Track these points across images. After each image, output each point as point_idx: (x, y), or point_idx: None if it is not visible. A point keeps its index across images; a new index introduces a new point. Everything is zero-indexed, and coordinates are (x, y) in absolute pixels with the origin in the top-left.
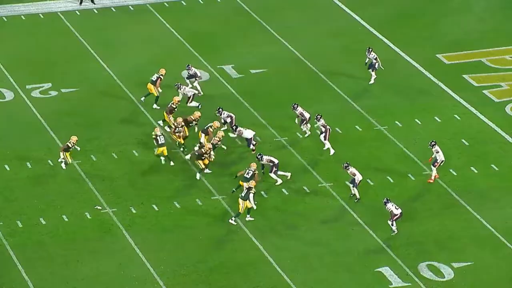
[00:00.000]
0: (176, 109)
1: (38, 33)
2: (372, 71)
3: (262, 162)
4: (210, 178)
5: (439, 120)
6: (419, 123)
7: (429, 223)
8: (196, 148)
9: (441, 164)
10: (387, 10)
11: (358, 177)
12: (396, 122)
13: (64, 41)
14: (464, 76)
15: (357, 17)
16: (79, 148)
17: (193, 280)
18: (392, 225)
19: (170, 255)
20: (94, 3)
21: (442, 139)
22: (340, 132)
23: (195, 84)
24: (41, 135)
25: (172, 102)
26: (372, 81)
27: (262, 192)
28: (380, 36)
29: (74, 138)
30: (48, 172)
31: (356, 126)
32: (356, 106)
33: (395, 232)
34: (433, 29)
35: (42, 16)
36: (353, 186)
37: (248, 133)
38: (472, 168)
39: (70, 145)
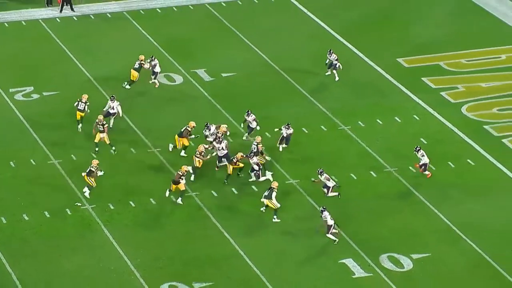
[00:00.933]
0: (191, 133)
1: (21, 39)
2: (334, 69)
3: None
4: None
5: (399, 120)
6: (381, 123)
7: (390, 218)
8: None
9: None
10: (351, 18)
11: (330, 184)
12: (359, 122)
13: (46, 47)
14: (422, 79)
15: (323, 24)
16: (102, 172)
17: (168, 272)
18: (331, 236)
19: (146, 249)
20: (74, 11)
21: (402, 139)
22: (306, 132)
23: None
24: (24, 135)
25: (188, 126)
26: (337, 78)
27: (233, 189)
28: (345, 42)
29: (95, 162)
30: (31, 171)
31: (322, 126)
32: (322, 108)
33: (337, 241)
34: (393, 35)
35: (24, 23)
36: (327, 192)
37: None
38: (430, 165)
39: (93, 169)
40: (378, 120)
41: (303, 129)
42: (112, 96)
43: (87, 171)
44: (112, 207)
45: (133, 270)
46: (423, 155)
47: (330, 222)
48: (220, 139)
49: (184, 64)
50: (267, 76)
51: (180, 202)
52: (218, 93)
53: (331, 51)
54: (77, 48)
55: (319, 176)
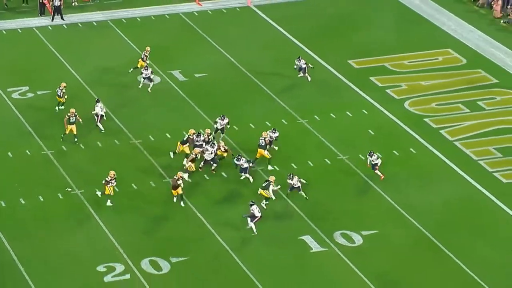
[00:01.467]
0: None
1: (17, 45)
2: (304, 73)
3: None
4: (163, 163)
5: (350, 115)
6: (334, 117)
7: (343, 199)
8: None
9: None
10: (308, 25)
11: (296, 184)
12: (315, 116)
13: (39, 52)
14: (370, 78)
15: (284, 31)
16: (114, 183)
17: (148, 249)
18: (252, 226)
19: (129, 228)
20: (64, 20)
21: (353, 130)
22: (269, 125)
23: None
24: (20, 129)
25: (189, 134)
26: (309, 79)
27: (205, 175)
28: (303, 47)
29: (112, 173)
30: (26, 161)
31: (282, 120)
32: (283, 104)
33: (255, 234)
34: (344, 40)
35: (20, 31)
36: (295, 190)
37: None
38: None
39: (108, 179)
40: (331, 115)
41: (267, 122)
42: (98, 100)
43: (105, 181)
44: (98, 192)
45: (118, 247)
46: (377, 158)
47: (258, 214)
48: (212, 142)
49: (162, 66)
50: (235, 77)
51: (182, 205)
52: (191, 91)
53: (300, 58)
54: (67, 53)
55: (290, 180)
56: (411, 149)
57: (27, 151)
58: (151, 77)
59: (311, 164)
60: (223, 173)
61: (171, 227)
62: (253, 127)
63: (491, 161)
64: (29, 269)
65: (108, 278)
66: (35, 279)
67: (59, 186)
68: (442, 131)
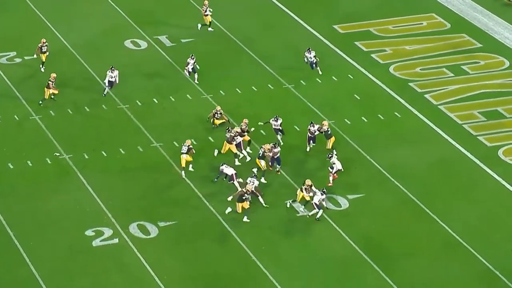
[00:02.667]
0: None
1: (4, 11)
2: (316, 66)
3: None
4: (150, 129)
5: (335, 79)
6: (320, 81)
7: (327, 163)
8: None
9: (338, 171)
10: None
11: (338, 166)
12: (301, 81)
13: (26, 17)
14: (355, 43)
15: None
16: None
17: (136, 213)
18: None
19: (117, 193)
20: None
21: (338, 95)
22: (256, 90)
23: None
24: (8, 94)
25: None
26: (320, 72)
27: (193, 140)
28: (289, 12)
29: (188, 142)
30: (14, 126)
31: (269, 85)
32: (269, 69)
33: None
34: (330, 5)
35: None
36: (333, 172)
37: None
38: (363, 118)
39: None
40: (317, 79)
41: (253, 87)
42: (112, 67)
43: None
44: (86, 157)
45: (105, 211)
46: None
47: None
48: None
49: (148, 31)
50: (222, 42)
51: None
52: (178, 57)
53: (310, 49)
54: (54, 18)
55: (328, 159)
56: (396, 113)
57: (15, 116)
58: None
59: (298, 129)
60: (210, 138)
61: (158, 191)
62: (239, 92)
63: (475, 125)
64: (17, 233)
65: (96, 243)
66: (23, 243)
67: (47, 151)
68: (426, 95)
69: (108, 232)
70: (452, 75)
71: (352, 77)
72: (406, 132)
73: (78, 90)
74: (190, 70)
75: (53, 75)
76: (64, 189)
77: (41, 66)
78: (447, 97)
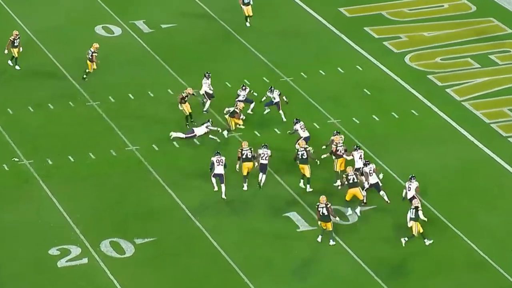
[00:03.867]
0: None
1: None
2: (278, 109)
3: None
4: (125, 129)
5: (342, 71)
6: (323, 74)
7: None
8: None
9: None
10: None
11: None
12: (302, 73)
13: None
14: (365, 28)
15: None
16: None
17: (109, 227)
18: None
19: (86, 205)
20: None
21: (345, 89)
22: (248, 83)
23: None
24: None
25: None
26: (284, 119)
27: (175, 143)
28: None
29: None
30: None
31: (264, 78)
32: (264, 59)
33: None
34: None
35: None
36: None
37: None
38: (374, 116)
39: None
40: (321, 71)
41: (246, 81)
42: (207, 74)
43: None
44: (50, 162)
45: (72, 226)
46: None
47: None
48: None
49: (123, 16)
50: (208, 28)
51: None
52: (158, 45)
53: (272, 88)
54: (15, 5)
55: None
56: (412, 110)
57: None
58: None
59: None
60: (195, 141)
61: (135, 203)
62: (229, 86)
63: (505, 124)
64: None
65: (62, 263)
66: None
67: (4, 156)
68: (448, 90)
69: (75, 250)
70: (478, 66)
71: (361, 69)
72: (424, 132)
73: (41, 85)
74: (241, 99)
75: (96, 45)
76: (23, 199)
77: (10, 61)
78: (472, 91)
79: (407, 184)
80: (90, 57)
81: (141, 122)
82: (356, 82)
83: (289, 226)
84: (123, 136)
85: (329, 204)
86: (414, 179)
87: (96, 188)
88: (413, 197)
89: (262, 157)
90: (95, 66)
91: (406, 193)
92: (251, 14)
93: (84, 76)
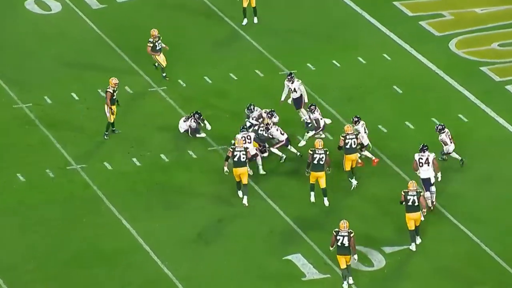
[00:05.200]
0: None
1: None
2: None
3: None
4: (66, 141)
5: (363, 62)
6: (338, 65)
7: (353, 195)
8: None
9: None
10: None
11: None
12: (308, 64)
13: None
14: (394, 3)
15: None
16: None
17: (42, 278)
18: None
19: (9, 247)
20: None
21: (367, 86)
22: (236, 78)
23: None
24: None
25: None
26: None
27: (135, 159)
28: None
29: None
30: None
31: (257, 71)
32: (256, 45)
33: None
34: None
35: None
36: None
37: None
38: (407, 123)
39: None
40: (334, 62)
41: (231, 74)
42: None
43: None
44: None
45: None
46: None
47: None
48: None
49: None
50: (186, 7)
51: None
52: (111, 26)
53: (292, 76)
54: None
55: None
56: (459, 115)
57: None
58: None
59: (302, 140)
60: (163, 156)
61: (80, 243)
62: (209, 82)
63: None
64: None
65: None
66: None
67: None
68: (508, 87)
69: None
70: None
71: (389, 58)
72: (475, 144)
73: None
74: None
75: (154, 32)
76: None
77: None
78: None
79: (417, 156)
80: (157, 47)
81: (88, 131)
82: (382, 76)
83: (292, 274)
84: (64, 150)
85: (353, 233)
86: (427, 149)
87: (24, 223)
88: (429, 181)
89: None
90: (162, 58)
91: (419, 170)
92: (254, 4)
93: (164, 74)
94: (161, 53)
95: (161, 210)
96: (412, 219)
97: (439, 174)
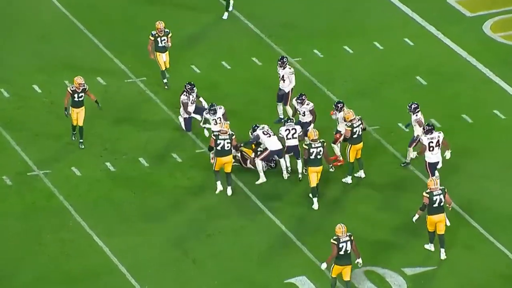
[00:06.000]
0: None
1: None
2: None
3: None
4: (25, 142)
5: (380, 47)
6: (350, 51)
7: (368, 207)
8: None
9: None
10: None
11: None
12: (315, 51)
13: None
14: None
15: None
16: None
17: None
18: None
19: None
20: None
21: (385, 77)
22: (229, 67)
23: None
24: None
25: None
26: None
27: (108, 164)
28: None
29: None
30: None
31: (254, 59)
32: (252, 27)
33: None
34: None
35: None
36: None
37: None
38: (433, 120)
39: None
40: (345, 47)
41: (223, 63)
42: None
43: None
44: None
45: None
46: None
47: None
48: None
49: None
50: None
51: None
52: (80, 7)
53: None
54: None
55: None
56: (496, 111)
57: None
58: None
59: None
60: (142, 160)
61: (45, 264)
62: (197, 71)
63: None
64: None
65: None
66: None
67: None
68: None
69: None
70: None
71: (411, 44)
72: None
73: None
74: None
75: (160, 25)
76: None
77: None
78: None
79: (426, 140)
80: (159, 43)
81: (53, 131)
82: (403, 65)
83: None
84: (24, 153)
85: (352, 235)
86: (434, 129)
87: None
88: (436, 165)
89: (288, 137)
90: (165, 60)
91: (427, 154)
92: None
93: (166, 81)
94: (165, 54)
95: (140, 223)
96: (436, 222)
97: (448, 152)
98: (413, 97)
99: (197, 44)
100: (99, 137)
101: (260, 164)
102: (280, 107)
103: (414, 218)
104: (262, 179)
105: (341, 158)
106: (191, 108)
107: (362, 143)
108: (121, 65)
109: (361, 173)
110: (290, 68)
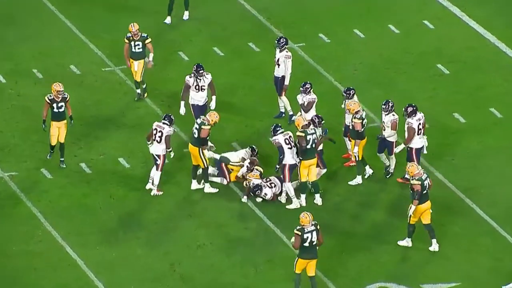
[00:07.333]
0: None
1: None
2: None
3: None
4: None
5: (396, 31)
6: (361, 36)
7: (382, 217)
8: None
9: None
10: None
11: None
12: (321, 35)
13: None
14: None
15: None
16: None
17: None
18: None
19: None
20: None
21: (401, 65)
22: (221, 54)
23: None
24: None
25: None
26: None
27: (83, 165)
28: None
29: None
30: None
31: (250, 44)
32: (251, 9)
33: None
34: None
35: None
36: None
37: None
38: (455, 115)
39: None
40: (356, 31)
41: (215, 49)
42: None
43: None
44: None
45: None
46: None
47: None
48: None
49: None
50: None
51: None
52: None
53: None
54: None
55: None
56: None
57: None
58: None
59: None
60: (122, 160)
61: (12, 278)
62: (185, 58)
63: None
64: None
65: None
66: None
67: None
68: None
69: None
70: None
71: (432, 27)
72: None
73: None
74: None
75: (132, 28)
76: None
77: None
78: None
79: (416, 123)
80: (132, 48)
81: (20, 127)
82: (422, 51)
83: None
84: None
85: (318, 224)
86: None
87: None
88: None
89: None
90: (149, 66)
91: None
92: None
93: (139, 92)
94: (138, 62)
95: (120, 234)
96: (423, 211)
97: (425, 138)
98: (433, 87)
99: (185, 28)
100: (72, 135)
101: (291, 188)
102: (283, 99)
103: (411, 211)
104: (295, 203)
105: (353, 157)
106: (193, 93)
107: (365, 139)
108: (98, 51)
109: (368, 170)
110: (287, 52)
